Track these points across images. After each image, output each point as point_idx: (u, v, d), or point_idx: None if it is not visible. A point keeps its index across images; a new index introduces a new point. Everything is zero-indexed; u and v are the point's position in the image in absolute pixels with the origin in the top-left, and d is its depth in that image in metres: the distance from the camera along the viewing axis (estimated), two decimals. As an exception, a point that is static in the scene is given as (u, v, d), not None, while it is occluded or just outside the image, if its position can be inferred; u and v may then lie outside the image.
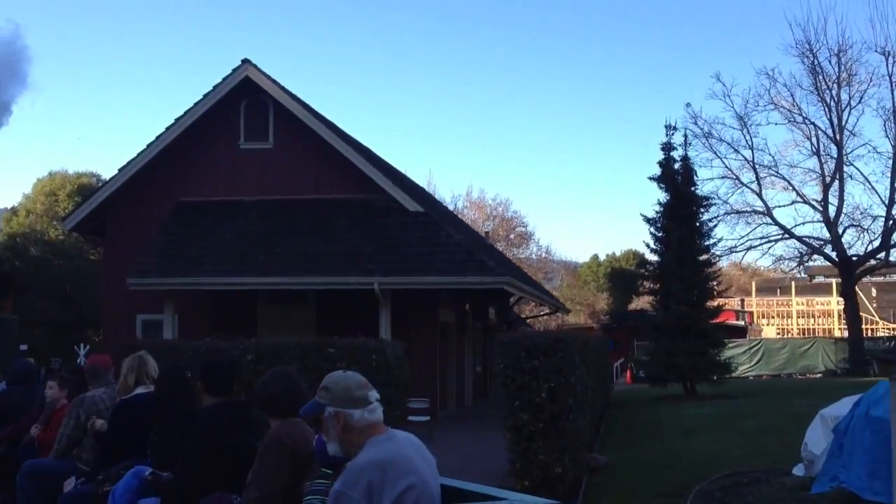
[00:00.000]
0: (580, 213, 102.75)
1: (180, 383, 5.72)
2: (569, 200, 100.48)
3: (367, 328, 15.55)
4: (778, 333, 55.19)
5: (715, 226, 28.07)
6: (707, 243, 26.67)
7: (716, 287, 26.50)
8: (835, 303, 56.62)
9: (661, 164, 26.33)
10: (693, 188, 26.77)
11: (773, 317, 61.86)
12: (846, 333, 48.01)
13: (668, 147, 26.44)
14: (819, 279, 59.45)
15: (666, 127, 26.80)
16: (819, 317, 60.24)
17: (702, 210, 26.58)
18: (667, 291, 25.33)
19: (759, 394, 25.38)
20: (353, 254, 15.88)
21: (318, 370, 9.98)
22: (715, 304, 26.21)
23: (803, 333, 55.15)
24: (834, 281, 54.87)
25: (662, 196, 26.22)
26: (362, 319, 16.43)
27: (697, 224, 26.07)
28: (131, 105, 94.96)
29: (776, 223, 39.48)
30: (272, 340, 10.17)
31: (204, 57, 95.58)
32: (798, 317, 59.64)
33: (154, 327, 17.69)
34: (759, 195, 39.45)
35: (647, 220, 26.59)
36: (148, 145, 17.67)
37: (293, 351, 10.00)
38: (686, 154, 26.76)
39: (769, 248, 40.71)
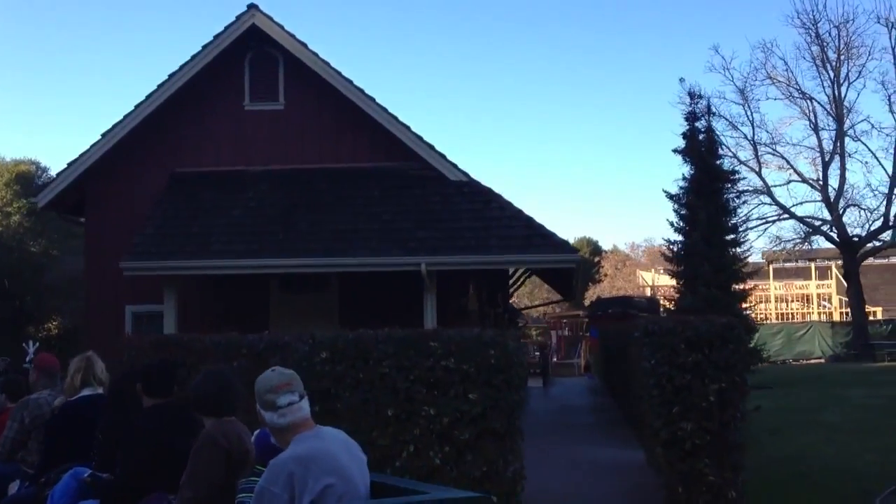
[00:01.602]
0: (564, 197, 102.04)
1: (131, 382, 5.54)
2: (554, 184, 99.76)
3: (404, 317, 13.20)
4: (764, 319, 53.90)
5: (738, 205, 26.22)
6: (733, 221, 24.77)
7: (743, 269, 24.63)
8: (813, 287, 55.52)
9: (684, 135, 24.32)
10: (718, 161, 24.84)
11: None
12: (837, 317, 46.89)
13: (691, 117, 24.41)
14: (799, 263, 58.33)
15: (689, 94, 24.74)
16: (795, 301, 59.13)
17: (728, 185, 24.66)
18: (693, 273, 23.38)
19: (792, 383, 23.75)
20: (389, 230, 13.49)
21: (417, 369, 7.65)
22: (742, 286, 24.35)
23: (782, 318, 53.87)
24: (813, 265, 53.79)
25: (687, 170, 24.24)
26: (397, 307, 14.09)
27: (724, 201, 24.16)
28: (74, 85, 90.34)
29: (776, 203, 38.00)
30: (354, 335, 7.78)
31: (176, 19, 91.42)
32: (777, 301, 58.51)
33: (146, 320, 15.09)
34: (759, 173, 37.96)
35: (671, 197, 24.58)
36: (136, 106, 14.99)
37: (385, 346, 7.63)
38: (710, 124, 24.80)
39: (765, 229, 39.23)
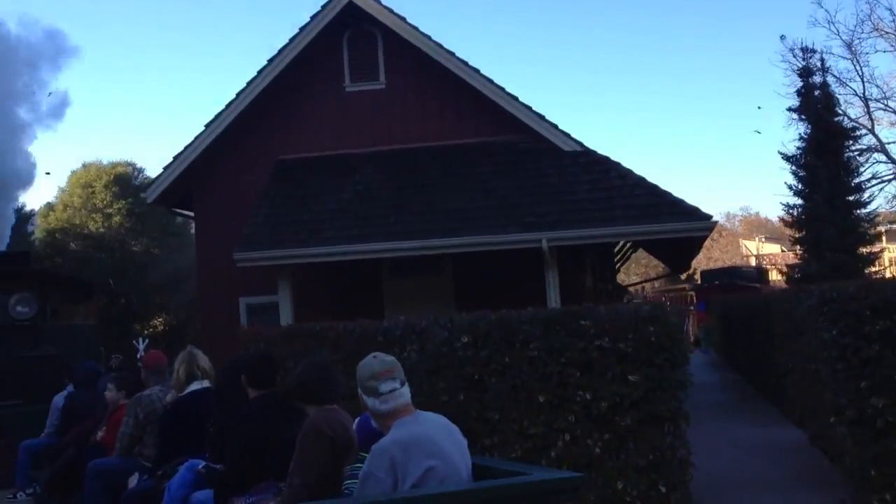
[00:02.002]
0: (649, 168, 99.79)
1: (235, 376, 5.64)
2: (638, 154, 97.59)
3: (523, 297, 12.57)
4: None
5: (861, 164, 24.69)
6: (857, 180, 23.32)
7: (869, 230, 23.17)
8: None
9: (799, 92, 22.97)
10: (837, 119, 23.38)
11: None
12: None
13: (805, 72, 23.07)
14: None
15: (802, 50, 23.42)
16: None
17: (849, 143, 23.20)
18: (817, 238, 22.07)
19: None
20: (504, 206, 12.82)
21: (569, 350, 6.99)
22: (868, 250, 22.92)
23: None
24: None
25: (803, 129, 22.93)
26: (515, 287, 13.47)
27: (846, 159, 22.74)
28: (166, 88, 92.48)
29: (892, 160, 35.80)
30: (497, 316, 7.17)
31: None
32: (892, 265, 55.51)
33: (259, 312, 14.83)
34: (871, 130, 35.84)
35: (787, 158, 23.33)
36: (238, 94, 14.68)
37: (531, 327, 7.00)
38: (825, 79, 23.36)
39: (882, 188, 37.06)
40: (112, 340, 26.65)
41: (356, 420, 4.44)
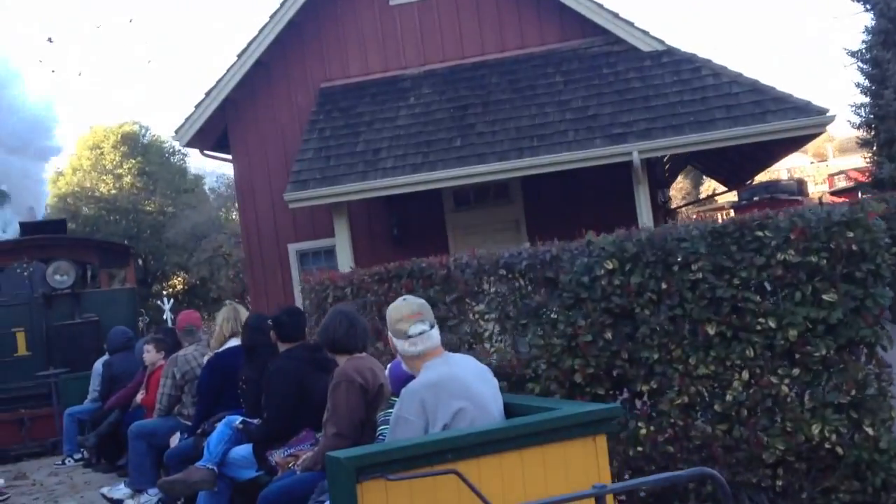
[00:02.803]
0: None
1: (262, 331, 5.73)
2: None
3: (606, 222, 11.25)
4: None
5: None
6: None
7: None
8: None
9: (864, -21, 21.13)
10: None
11: None
12: None
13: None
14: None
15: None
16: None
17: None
18: (891, 137, 20.51)
19: None
20: (584, 118, 11.42)
21: (744, 269, 5.67)
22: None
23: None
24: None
25: (869, 21, 21.17)
26: (596, 210, 12.16)
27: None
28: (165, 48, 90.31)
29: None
30: (646, 234, 5.85)
31: None
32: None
33: (311, 259, 13.62)
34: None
35: (852, 54, 21.59)
36: (271, 17, 13.21)
37: (691, 243, 5.71)
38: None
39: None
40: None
41: (388, 365, 4.40)
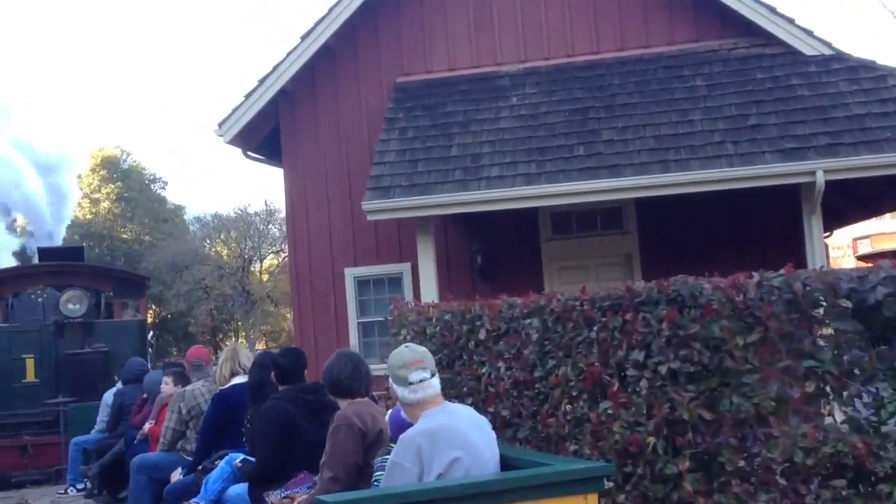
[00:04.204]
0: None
1: (267, 370, 5.69)
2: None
3: (750, 257, 9.08)
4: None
5: None
6: None
7: None
8: None
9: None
10: None
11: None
12: None
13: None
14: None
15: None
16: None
17: None
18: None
19: None
20: (743, 128, 9.25)
21: None
22: None
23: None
24: None
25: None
26: (732, 244, 10.03)
27: None
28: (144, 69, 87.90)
29: None
30: None
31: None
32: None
33: (372, 287, 11.27)
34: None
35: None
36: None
37: None
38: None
39: None
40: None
41: (389, 411, 4.39)
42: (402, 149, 10.06)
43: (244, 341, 40.48)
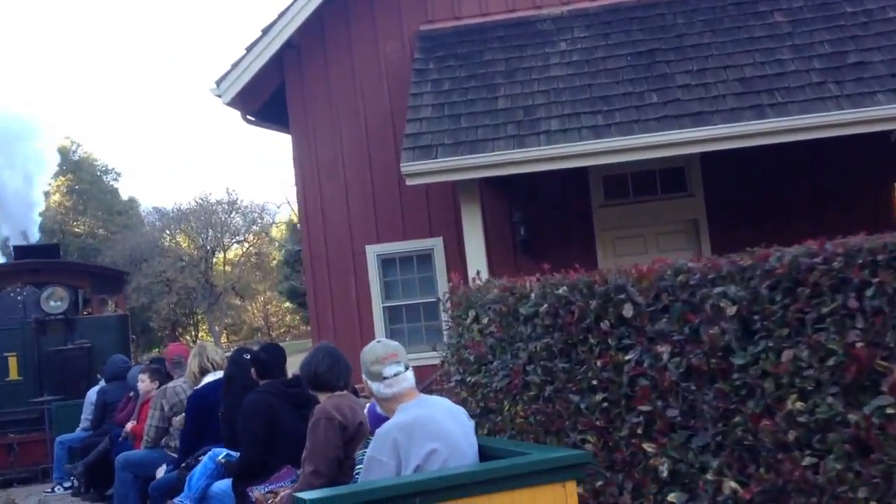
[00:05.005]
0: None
1: (240, 364, 5.74)
2: None
3: (834, 220, 7.78)
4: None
5: None
6: None
7: None
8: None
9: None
10: None
11: None
12: None
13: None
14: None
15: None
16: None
17: None
18: None
19: None
20: (843, 67, 7.97)
21: None
22: None
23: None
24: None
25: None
26: (816, 204, 8.80)
27: None
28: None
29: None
30: None
31: None
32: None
33: (398, 266, 9.84)
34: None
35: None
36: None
37: None
38: None
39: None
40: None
41: (367, 406, 4.21)
42: (438, 103, 8.60)
43: (205, 335, 38.83)
